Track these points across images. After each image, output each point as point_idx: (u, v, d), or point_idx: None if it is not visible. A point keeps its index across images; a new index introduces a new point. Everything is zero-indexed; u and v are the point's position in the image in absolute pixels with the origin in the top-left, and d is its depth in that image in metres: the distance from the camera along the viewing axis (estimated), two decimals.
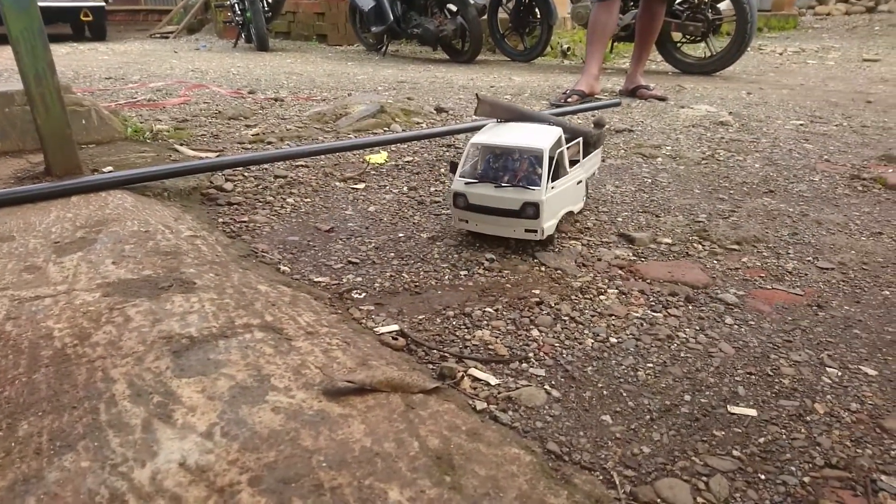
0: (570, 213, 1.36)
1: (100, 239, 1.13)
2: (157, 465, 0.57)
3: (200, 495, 0.54)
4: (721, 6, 4.40)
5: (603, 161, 2.00)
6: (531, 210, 1.18)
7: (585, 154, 1.45)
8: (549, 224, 1.23)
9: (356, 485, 0.57)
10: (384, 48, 6.20)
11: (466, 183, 1.24)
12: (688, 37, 4.50)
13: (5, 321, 0.85)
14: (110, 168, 1.63)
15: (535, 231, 1.21)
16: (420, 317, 1.02)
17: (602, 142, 1.56)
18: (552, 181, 1.22)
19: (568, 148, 1.32)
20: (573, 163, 1.37)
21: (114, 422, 0.64)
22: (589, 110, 2.63)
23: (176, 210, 1.36)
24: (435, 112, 2.87)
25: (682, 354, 0.92)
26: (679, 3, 4.35)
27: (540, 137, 1.26)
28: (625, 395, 0.82)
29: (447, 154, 2.13)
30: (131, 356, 0.76)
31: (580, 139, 1.42)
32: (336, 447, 0.62)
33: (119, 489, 0.55)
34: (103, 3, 8.69)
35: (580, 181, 1.37)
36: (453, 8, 5.34)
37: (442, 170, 1.91)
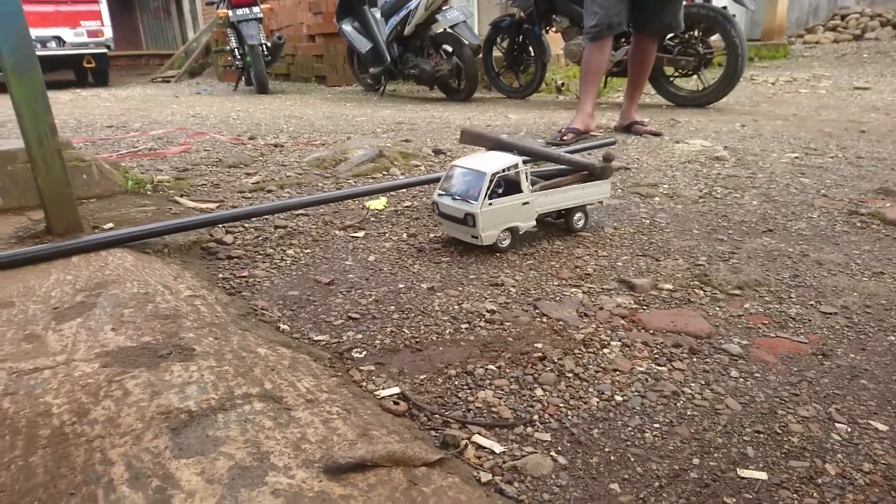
0: (516, 230, 1.56)
1: (99, 303, 1.13)
2: None
3: None
4: (711, 39, 4.48)
5: (601, 202, 2.01)
6: (470, 220, 1.48)
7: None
8: (487, 234, 1.50)
9: None
10: (382, 88, 6.31)
11: (439, 194, 1.56)
12: (680, 70, 4.58)
13: (3, 397, 0.84)
14: (111, 224, 1.64)
15: (476, 238, 1.50)
16: (421, 376, 1.01)
17: (608, 174, 1.71)
18: (500, 198, 1.50)
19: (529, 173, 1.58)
20: (553, 187, 1.63)
21: None
22: (585, 150, 2.65)
23: (176, 268, 1.37)
24: (433, 154, 2.90)
25: (688, 412, 0.90)
26: (670, 39, 4.43)
27: (492, 163, 1.50)
28: (632, 459, 0.80)
29: None
30: (130, 434, 0.74)
31: (522, 168, 1.56)
32: None
33: None
34: (106, 50, 8.89)
35: (526, 202, 1.55)
36: (449, 48, 5.45)
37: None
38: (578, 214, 1.70)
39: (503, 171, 1.49)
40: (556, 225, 1.76)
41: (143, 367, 0.90)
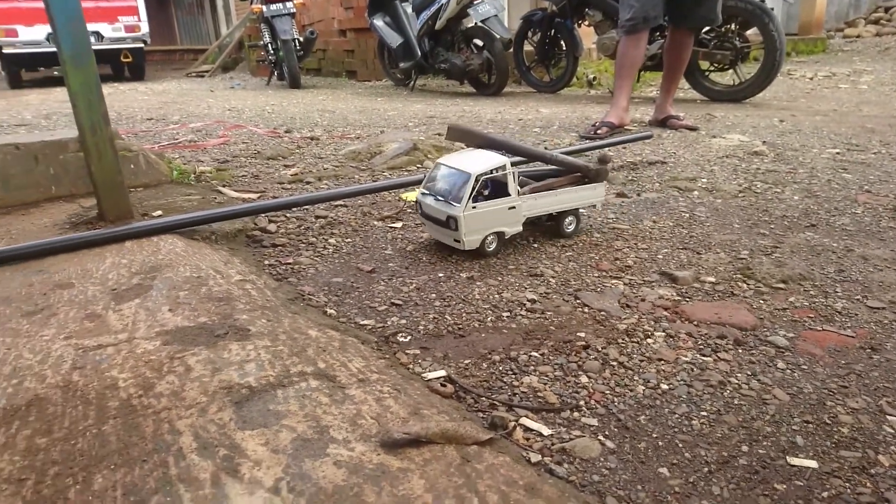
0: (502, 234, 1.48)
1: (155, 285, 1.18)
2: None
3: None
4: (749, 33, 4.40)
5: (638, 195, 2.00)
6: (452, 223, 1.40)
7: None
8: (471, 238, 1.42)
9: None
10: (412, 83, 6.33)
11: (423, 194, 1.49)
12: (716, 65, 4.50)
13: (72, 371, 0.89)
14: (159, 212, 1.69)
15: (459, 242, 1.43)
16: (466, 361, 1.03)
17: (604, 177, 1.62)
18: (485, 202, 1.42)
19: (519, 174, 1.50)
20: (544, 189, 1.54)
21: (183, 476, 0.66)
22: (620, 143, 2.64)
23: (224, 254, 1.41)
24: (465, 148, 2.91)
25: (735, 402, 0.91)
26: (706, 32, 4.36)
27: (478, 163, 1.42)
28: (680, 445, 0.81)
29: None
30: (195, 407, 0.78)
31: (511, 170, 1.46)
32: None
33: None
34: (142, 45, 9.10)
35: (512, 206, 1.47)
36: (479, 43, 5.44)
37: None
38: (570, 218, 1.60)
39: (490, 172, 1.40)
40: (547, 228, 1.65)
41: (202, 346, 0.94)
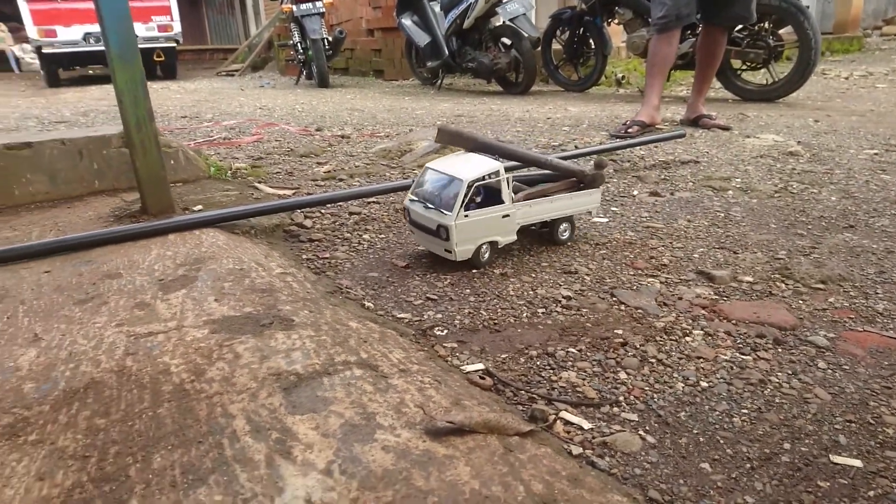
0: (495, 244, 1.41)
1: (200, 276, 1.21)
2: (285, 500, 0.61)
3: None
4: (782, 32, 4.33)
5: (672, 194, 1.99)
6: (443, 232, 1.33)
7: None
8: (462, 248, 1.35)
9: None
10: (439, 82, 6.36)
11: (411, 200, 1.42)
12: (748, 64, 4.43)
13: (125, 356, 0.92)
14: (200, 207, 1.73)
15: (450, 252, 1.35)
16: (503, 355, 1.04)
17: (600, 182, 1.55)
18: (477, 210, 1.35)
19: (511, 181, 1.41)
20: (537, 196, 1.47)
21: (238, 457, 0.68)
22: (652, 142, 2.62)
23: (264, 248, 1.44)
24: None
25: (776, 400, 0.90)
26: (739, 30, 4.30)
27: (470, 168, 1.35)
28: (722, 442, 0.81)
29: None
30: (245, 392, 0.81)
31: (505, 176, 1.38)
32: (447, 489, 0.64)
33: None
34: (175, 44, 9.28)
35: (506, 215, 1.40)
36: (507, 41, 5.44)
37: None
38: (564, 225, 1.53)
39: (482, 178, 1.33)
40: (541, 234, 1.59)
41: (249, 334, 0.97)
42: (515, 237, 1.44)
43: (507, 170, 1.40)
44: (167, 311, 1.07)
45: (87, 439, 0.74)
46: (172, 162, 2.07)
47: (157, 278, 1.22)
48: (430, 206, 1.36)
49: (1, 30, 12.83)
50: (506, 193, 1.38)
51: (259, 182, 2.15)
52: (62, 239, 1.40)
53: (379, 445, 0.70)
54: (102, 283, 1.21)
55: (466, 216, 1.33)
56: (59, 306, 1.12)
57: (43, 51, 8.47)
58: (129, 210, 1.72)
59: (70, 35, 8.43)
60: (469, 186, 1.31)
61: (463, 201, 1.30)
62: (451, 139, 1.47)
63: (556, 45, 5.61)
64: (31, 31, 8.31)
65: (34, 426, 0.77)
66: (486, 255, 1.40)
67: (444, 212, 1.32)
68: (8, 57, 12.72)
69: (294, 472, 0.65)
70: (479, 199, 1.40)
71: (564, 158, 2.27)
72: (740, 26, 4.19)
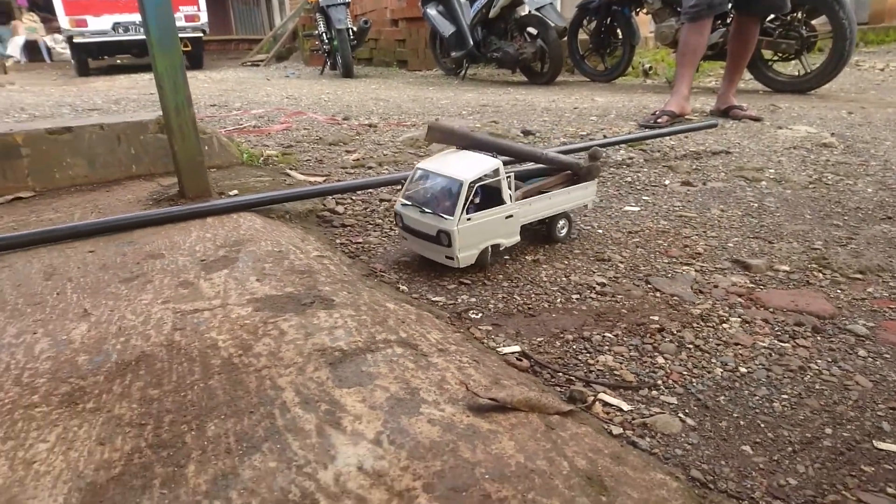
0: (497, 246, 1.32)
1: (240, 257, 1.24)
2: (338, 467, 0.63)
3: (382, 498, 0.59)
4: (816, 22, 4.23)
5: (704, 184, 1.97)
6: (445, 238, 1.23)
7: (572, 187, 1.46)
8: (465, 254, 1.26)
9: (520, 498, 0.60)
10: (463, 72, 6.34)
11: (403, 204, 1.32)
12: (779, 54, 4.35)
13: (173, 331, 0.95)
14: (235, 191, 1.77)
15: (452, 259, 1.25)
16: (538, 339, 1.05)
17: (595, 174, 1.48)
18: (479, 212, 1.25)
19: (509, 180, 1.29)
20: (538, 193, 1.39)
21: (290, 426, 0.70)
22: (683, 132, 2.59)
23: (300, 231, 1.46)
24: (522, 135, 2.92)
25: (816, 386, 0.90)
26: (771, 20, 4.22)
27: (468, 167, 1.24)
28: (762, 426, 0.81)
29: None
30: (293, 366, 0.83)
31: (506, 173, 1.30)
32: (493, 461, 0.66)
33: (308, 489, 0.61)
34: (202, 34, 9.38)
35: (510, 215, 1.31)
36: (533, 31, 5.41)
37: None
38: (562, 222, 1.47)
39: (483, 177, 1.25)
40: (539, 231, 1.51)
41: (292, 313, 0.99)
42: (519, 238, 1.36)
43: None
44: (211, 290, 1.09)
45: (142, 408, 0.77)
46: (207, 148, 2.11)
47: (199, 259, 1.25)
48: (427, 210, 1.25)
49: (34, 20, 13.09)
50: (507, 192, 1.29)
51: (290, 169, 2.18)
52: (106, 220, 1.44)
53: (425, 419, 0.72)
54: (146, 262, 1.24)
55: (469, 219, 1.23)
56: (105, 284, 1.15)
57: (74, 40, 8.63)
58: (167, 194, 1.76)
59: (100, 25, 8.57)
60: (470, 187, 1.21)
61: (464, 204, 1.21)
62: (442, 137, 1.36)
63: (582, 35, 5.56)
64: (63, 20, 8.47)
65: (90, 395, 0.80)
66: (488, 259, 1.32)
67: (444, 216, 1.22)
68: (40, 47, 12.98)
69: (345, 441, 0.67)
70: (477, 201, 1.29)
71: (590, 147, 2.27)
72: (772, 16, 4.11)
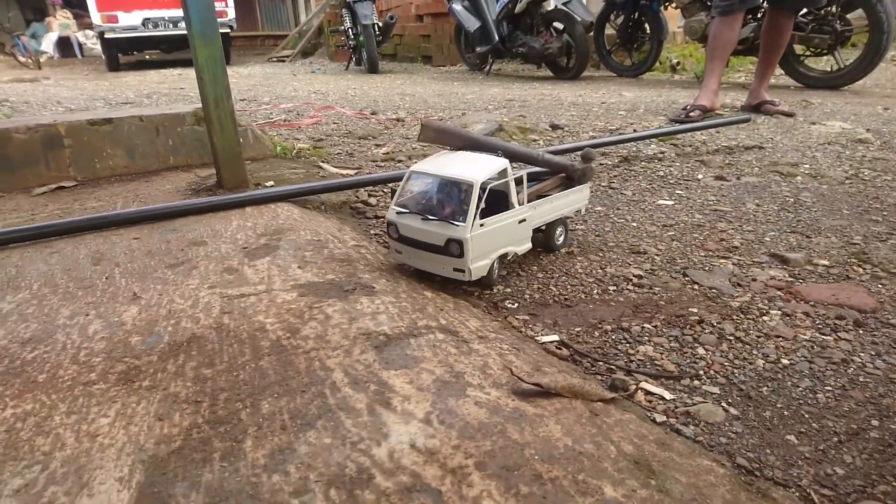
0: (505, 256, 1.20)
1: (281, 245, 1.26)
2: (391, 445, 0.65)
3: (436, 474, 0.61)
4: (851, 16, 4.14)
5: (738, 179, 1.95)
6: (455, 248, 1.08)
7: (567, 189, 1.37)
8: (478, 265, 1.12)
9: (571, 478, 0.61)
10: (488, 67, 6.33)
11: (398, 213, 1.16)
12: (812, 49, 4.27)
13: (222, 315, 0.98)
14: (271, 183, 1.80)
15: (463, 271, 1.11)
16: (576, 329, 1.06)
17: (590, 177, 1.41)
18: (492, 217, 1.12)
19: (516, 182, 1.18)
20: (538, 197, 1.29)
21: (341, 405, 0.72)
22: (715, 126, 2.56)
23: (336, 222, 1.49)
24: (550, 129, 2.91)
25: (860, 379, 0.89)
26: (803, 15, 4.14)
27: (476, 168, 1.13)
28: (807, 416, 0.81)
29: None
30: (340, 349, 0.85)
31: (520, 174, 1.20)
32: (541, 443, 0.67)
33: (363, 464, 0.62)
34: (229, 30, 9.49)
35: (522, 220, 1.20)
36: (559, 26, 5.38)
37: None
38: (560, 228, 1.38)
39: (494, 177, 1.13)
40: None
41: (335, 298, 1.01)
42: (530, 245, 1.25)
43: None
44: (255, 276, 1.12)
45: (196, 386, 0.79)
46: (242, 140, 2.14)
47: (241, 246, 1.28)
48: (431, 217, 1.11)
49: (66, 17, 13.38)
50: (514, 196, 1.17)
51: (322, 162, 2.21)
52: (150, 208, 1.48)
53: (471, 401, 0.73)
54: (190, 249, 1.28)
55: (482, 225, 1.10)
56: (152, 269, 1.19)
57: (105, 36, 8.79)
58: (205, 184, 1.80)
59: (130, 20, 8.73)
60: (483, 188, 1.08)
61: (478, 207, 1.08)
62: (436, 136, 1.25)
63: (609, 30, 5.52)
64: (95, 16, 8.64)
65: (146, 374, 0.83)
66: (497, 271, 1.19)
67: (455, 222, 1.08)
68: (72, 43, 13.26)
69: (396, 420, 0.69)
70: (483, 205, 1.12)
71: (616, 142, 2.25)
72: (805, 10, 4.03)
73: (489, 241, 1.13)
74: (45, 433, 0.71)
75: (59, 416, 0.74)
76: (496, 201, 1.15)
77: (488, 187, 1.09)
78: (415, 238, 1.14)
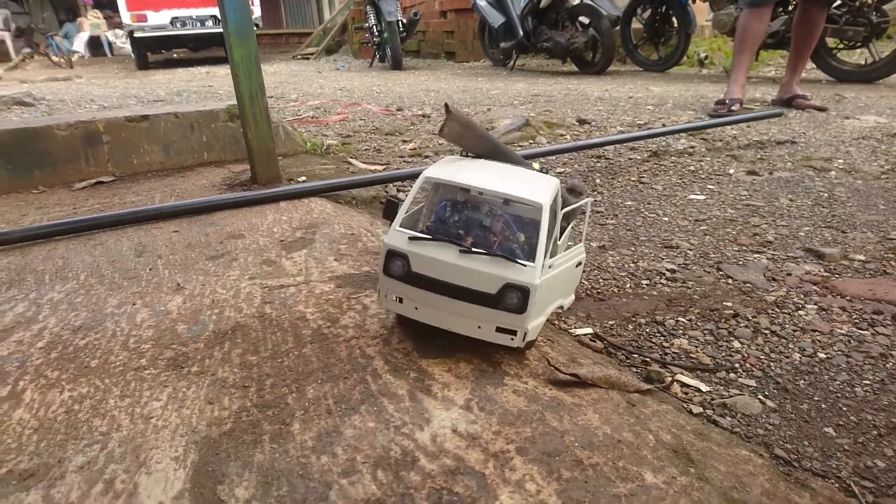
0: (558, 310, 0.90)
1: (317, 239, 1.29)
2: (434, 429, 0.67)
3: (479, 458, 0.62)
4: (888, 7, 4.04)
5: (770, 174, 1.93)
6: (514, 298, 0.75)
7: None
8: (535, 324, 0.79)
9: (611, 465, 0.63)
10: (512, 63, 6.32)
11: (411, 238, 0.79)
12: (845, 42, 4.18)
13: (263, 304, 1.01)
14: (304, 178, 1.83)
15: (514, 333, 0.77)
16: (610, 322, 1.07)
17: (575, 216, 0.98)
18: (559, 256, 0.84)
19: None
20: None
21: (383, 391, 0.74)
22: (748, 120, 2.53)
23: (367, 216, 1.51)
24: (577, 124, 2.90)
25: None
26: (837, 7, 4.05)
27: (534, 186, 0.81)
28: (845, 409, 0.81)
29: (598, 164, 2.15)
30: (378, 338, 0.87)
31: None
32: (581, 431, 0.68)
33: (408, 447, 0.64)
34: (255, 28, 9.61)
35: (579, 263, 0.93)
36: (585, 20, 5.34)
37: (597, 180, 1.94)
38: None
39: (555, 200, 0.84)
40: None
41: (371, 290, 1.03)
42: (574, 297, 0.98)
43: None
44: (293, 268, 1.15)
45: (243, 372, 0.82)
46: (273, 136, 2.18)
47: (278, 239, 1.31)
48: (477, 249, 0.76)
49: (97, 16, 13.68)
50: (567, 230, 0.90)
51: (351, 157, 2.24)
52: (188, 202, 1.52)
53: (510, 389, 0.75)
54: (229, 242, 1.31)
55: (550, 267, 0.80)
56: (193, 261, 1.22)
57: (134, 35, 8.97)
58: (239, 179, 1.84)
59: (159, 20, 8.89)
60: (554, 214, 0.81)
61: (549, 241, 0.79)
62: (461, 133, 0.89)
63: (635, 24, 5.46)
64: (125, 16, 8.82)
65: (194, 360, 0.86)
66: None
67: (522, 262, 0.75)
68: (102, 42, 13.56)
69: (437, 406, 0.71)
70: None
71: (652, 136, 2.23)
72: (839, 2, 3.95)
73: (550, 289, 0.81)
74: (101, 415, 0.74)
75: (114, 399, 0.78)
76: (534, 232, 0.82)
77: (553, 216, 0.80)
78: (440, 278, 0.77)
